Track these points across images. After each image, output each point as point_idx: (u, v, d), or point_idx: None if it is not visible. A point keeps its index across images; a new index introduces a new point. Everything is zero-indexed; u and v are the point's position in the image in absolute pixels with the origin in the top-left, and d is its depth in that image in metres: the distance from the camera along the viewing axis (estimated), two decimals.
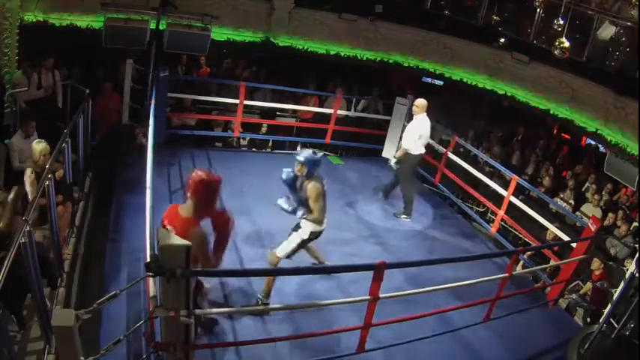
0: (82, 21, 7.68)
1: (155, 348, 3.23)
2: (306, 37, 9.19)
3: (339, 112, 8.59)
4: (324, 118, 8.73)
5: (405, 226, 6.85)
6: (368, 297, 3.81)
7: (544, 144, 9.36)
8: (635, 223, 7.01)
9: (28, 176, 4.69)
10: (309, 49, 9.26)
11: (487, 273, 5.13)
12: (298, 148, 9.28)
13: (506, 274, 4.74)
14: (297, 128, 9.26)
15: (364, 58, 9.58)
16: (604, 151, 8.32)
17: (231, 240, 3.71)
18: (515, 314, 4.98)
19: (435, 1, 10.04)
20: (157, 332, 3.34)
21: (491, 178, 7.36)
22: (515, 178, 6.62)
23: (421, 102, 6.83)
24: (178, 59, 8.72)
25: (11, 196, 4.05)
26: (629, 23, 7.58)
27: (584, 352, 4.60)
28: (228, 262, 5.14)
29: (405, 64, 9.71)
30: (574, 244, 5.80)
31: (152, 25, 7.20)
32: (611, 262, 6.57)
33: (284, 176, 4.59)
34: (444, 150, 7.79)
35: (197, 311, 3.33)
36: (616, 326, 4.65)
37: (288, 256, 4.59)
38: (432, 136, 8.57)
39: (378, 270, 3.74)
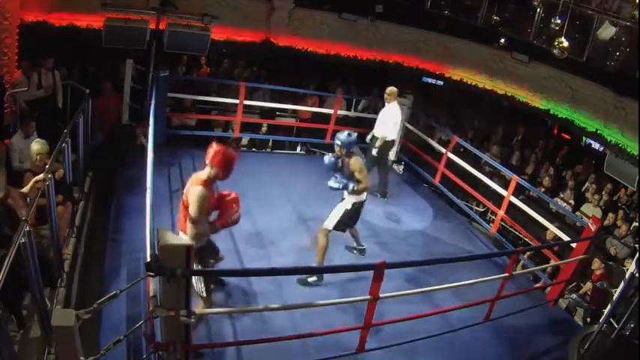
0: (82, 21, 7.69)
1: (155, 348, 3.23)
2: (306, 37, 9.20)
3: (339, 112, 8.58)
4: (324, 118, 8.72)
5: (405, 226, 6.86)
6: (368, 297, 3.81)
7: (544, 144, 9.36)
8: (635, 223, 7.02)
9: (27, 178, 4.66)
10: (309, 49, 9.26)
11: (487, 273, 5.12)
12: (298, 149, 9.29)
13: (507, 274, 4.74)
14: (297, 128, 9.26)
15: (364, 58, 9.58)
16: (603, 150, 8.33)
17: (233, 222, 4.02)
18: (515, 314, 4.98)
19: (435, 1, 10.04)
20: (157, 332, 3.35)
21: (491, 178, 7.36)
22: (515, 178, 6.62)
23: (392, 89, 7.19)
24: (178, 59, 8.72)
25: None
26: (629, 23, 7.59)
27: (584, 352, 4.60)
28: (228, 262, 5.18)
29: (405, 64, 9.72)
30: (574, 244, 5.80)
31: (152, 25, 7.20)
32: (611, 262, 6.56)
33: (326, 161, 5.14)
34: (444, 150, 7.79)
35: (197, 311, 3.33)
36: (616, 326, 4.65)
37: (335, 227, 5.07)
38: (431, 136, 8.63)
39: (378, 270, 3.74)
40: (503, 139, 9.70)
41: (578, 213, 7.58)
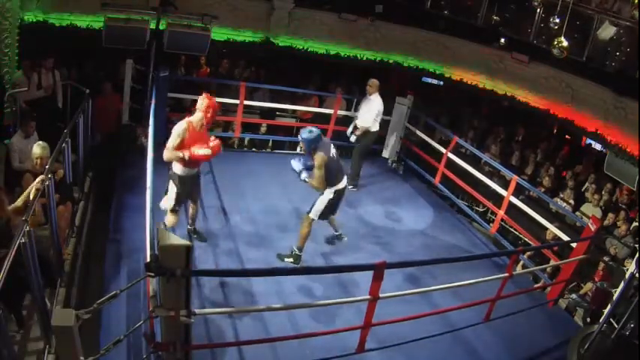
0: (82, 21, 7.69)
1: (155, 348, 3.23)
2: (306, 37, 9.20)
3: (339, 112, 8.59)
4: (324, 118, 8.72)
5: (405, 226, 6.86)
6: (368, 297, 3.82)
7: (544, 144, 9.35)
8: (635, 223, 7.01)
9: (26, 179, 4.65)
10: (309, 49, 9.26)
11: (487, 273, 5.13)
12: (298, 149, 9.28)
13: (507, 274, 4.74)
14: (297, 128, 9.25)
15: (364, 58, 9.58)
16: (603, 150, 8.33)
17: (198, 155, 4.60)
18: (515, 314, 4.99)
19: (435, 1, 10.04)
20: (157, 332, 3.35)
21: (491, 178, 7.36)
22: (515, 178, 6.62)
23: (374, 82, 7.38)
24: (178, 59, 8.71)
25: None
26: (629, 23, 7.59)
27: (584, 352, 4.60)
28: (228, 262, 5.19)
29: (405, 64, 9.72)
30: (574, 244, 5.80)
31: (152, 25, 7.20)
32: (611, 262, 6.56)
33: (293, 166, 5.26)
34: (444, 150, 7.79)
35: (197, 311, 3.33)
36: (616, 326, 4.65)
37: (320, 217, 5.28)
38: (431, 136, 8.63)
39: (378, 270, 3.74)
40: (503, 139, 9.69)
41: (578, 213, 7.57)
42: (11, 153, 5.32)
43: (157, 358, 3.36)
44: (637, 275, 4.64)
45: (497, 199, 7.03)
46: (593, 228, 5.45)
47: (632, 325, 4.54)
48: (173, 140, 4.55)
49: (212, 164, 7.35)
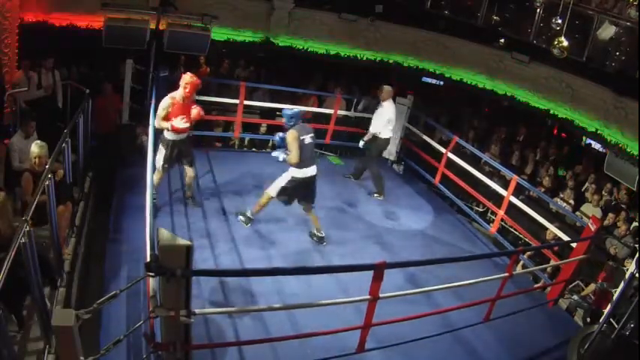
0: (82, 21, 7.69)
1: (155, 348, 3.23)
2: (306, 37, 9.20)
3: (339, 112, 8.59)
4: (324, 118, 8.72)
5: (405, 226, 6.86)
6: (368, 297, 3.81)
7: (544, 144, 9.35)
8: (635, 223, 7.01)
9: (25, 179, 4.63)
10: (309, 49, 9.26)
11: (487, 273, 5.13)
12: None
13: (506, 274, 4.74)
14: None
15: (364, 58, 9.58)
16: (603, 150, 8.33)
17: (177, 127, 5.37)
18: (515, 314, 4.99)
19: (435, 1, 10.04)
20: (157, 332, 3.34)
21: (491, 178, 7.36)
22: (515, 178, 6.62)
23: (387, 88, 7.36)
24: (177, 59, 8.71)
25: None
26: (629, 23, 7.59)
27: (584, 352, 4.60)
28: (228, 262, 5.19)
29: (405, 64, 9.72)
30: (574, 244, 5.80)
31: (152, 25, 7.20)
32: (611, 262, 6.56)
33: (276, 139, 5.59)
34: (444, 150, 7.79)
35: (197, 311, 3.33)
36: (616, 326, 4.65)
37: (279, 195, 5.55)
38: (431, 136, 8.63)
39: (378, 270, 3.74)
40: (503, 139, 9.69)
41: (578, 213, 7.57)
42: (11, 153, 5.32)
43: (157, 358, 3.36)
44: (637, 275, 4.64)
45: (498, 199, 7.03)
46: (593, 228, 5.45)
47: (632, 325, 4.53)
48: (160, 112, 5.37)
49: (212, 164, 7.36)
